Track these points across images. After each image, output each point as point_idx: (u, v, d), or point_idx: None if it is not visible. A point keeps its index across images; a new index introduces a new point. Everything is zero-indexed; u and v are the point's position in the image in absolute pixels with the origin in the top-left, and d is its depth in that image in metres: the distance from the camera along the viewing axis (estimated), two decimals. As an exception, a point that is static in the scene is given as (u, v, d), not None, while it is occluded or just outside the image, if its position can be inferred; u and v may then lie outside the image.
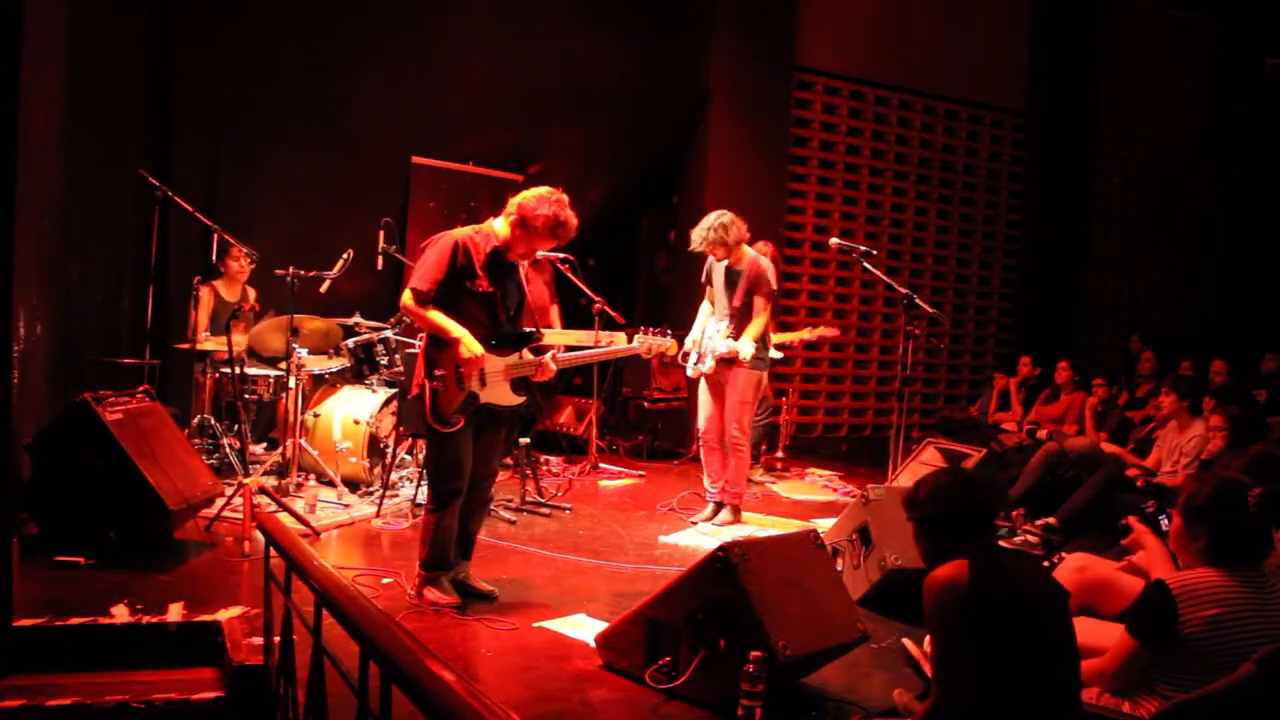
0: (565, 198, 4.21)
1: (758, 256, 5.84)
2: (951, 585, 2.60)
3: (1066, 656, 2.70)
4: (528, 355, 4.34)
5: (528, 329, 4.38)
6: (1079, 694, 2.76)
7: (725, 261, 5.80)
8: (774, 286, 5.85)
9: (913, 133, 10.16)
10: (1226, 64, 11.68)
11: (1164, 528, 4.95)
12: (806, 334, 7.01)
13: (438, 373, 4.13)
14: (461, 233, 4.22)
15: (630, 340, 5.08)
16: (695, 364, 5.94)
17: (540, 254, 4.72)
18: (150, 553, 4.60)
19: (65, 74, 5.32)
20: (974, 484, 2.86)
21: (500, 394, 4.28)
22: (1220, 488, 3.01)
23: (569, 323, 7.16)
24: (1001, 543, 4.64)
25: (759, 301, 5.73)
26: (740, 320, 5.76)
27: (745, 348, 5.63)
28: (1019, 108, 10.76)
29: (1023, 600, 2.63)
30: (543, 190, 4.21)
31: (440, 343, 4.14)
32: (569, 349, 4.83)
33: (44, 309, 4.88)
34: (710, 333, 5.89)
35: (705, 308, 6.06)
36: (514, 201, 4.22)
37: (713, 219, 5.70)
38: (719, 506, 6.03)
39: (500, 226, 4.25)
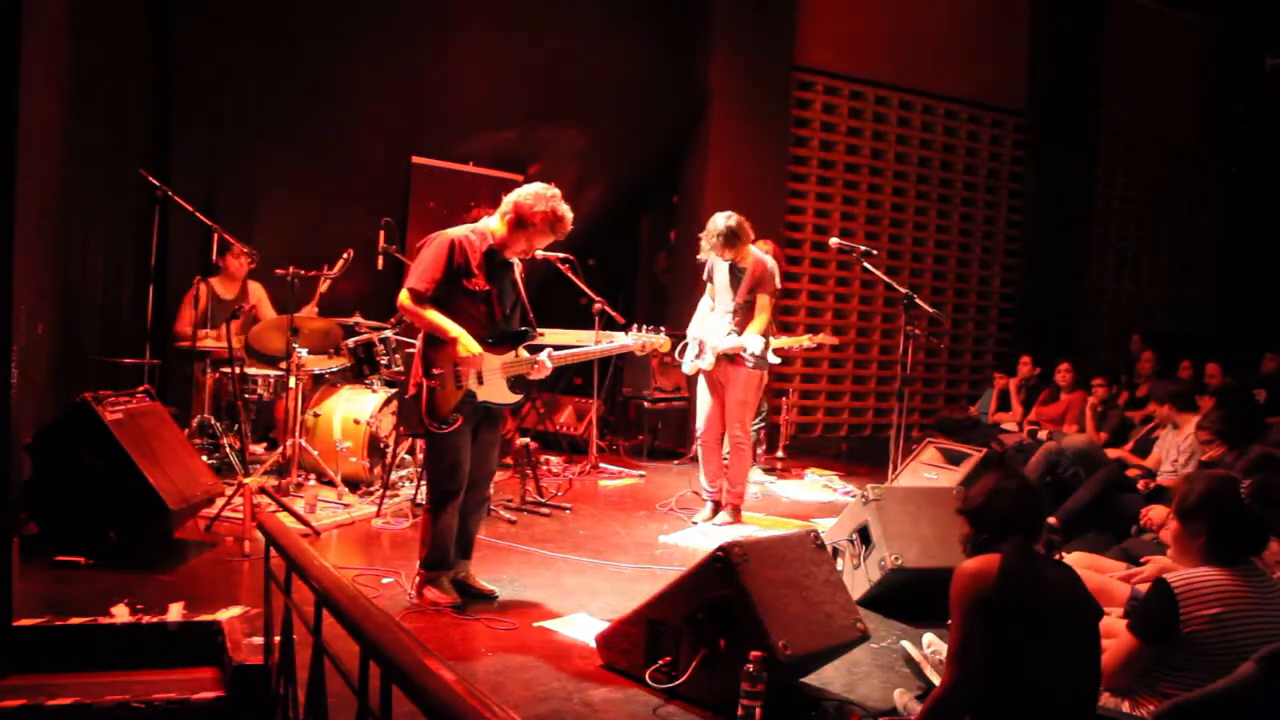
0: (559, 192, 4.23)
1: (763, 255, 5.84)
2: (979, 575, 2.64)
3: (1086, 671, 2.70)
4: (523, 353, 4.35)
5: (523, 327, 4.39)
6: (1094, 708, 2.76)
7: (729, 259, 5.80)
8: (778, 285, 5.85)
9: (913, 133, 10.16)
10: (1226, 64, 11.68)
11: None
12: (806, 340, 6.99)
13: (435, 371, 4.13)
14: (457, 232, 4.23)
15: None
16: (694, 360, 5.94)
17: (539, 253, 4.72)
18: (150, 553, 4.60)
19: (65, 73, 5.32)
20: (1025, 488, 2.89)
21: (497, 392, 4.28)
22: (1211, 484, 3.05)
23: (570, 323, 7.16)
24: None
25: (762, 299, 5.74)
26: (743, 317, 5.75)
27: (752, 342, 5.63)
28: (1019, 108, 10.76)
29: (1048, 604, 2.63)
30: (537, 186, 4.23)
31: (437, 342, 4.15)
32: (557, 349, 4.83)
33: (44, 309, 4.88)
34: (711, 329, 5.89)
35: (704, 305, 6.05)
36: (509, 199, 4.23)
37: (721, 222, 5.68)
38: (717, 506, 6.03)
39: (495, 225, 4.25)
